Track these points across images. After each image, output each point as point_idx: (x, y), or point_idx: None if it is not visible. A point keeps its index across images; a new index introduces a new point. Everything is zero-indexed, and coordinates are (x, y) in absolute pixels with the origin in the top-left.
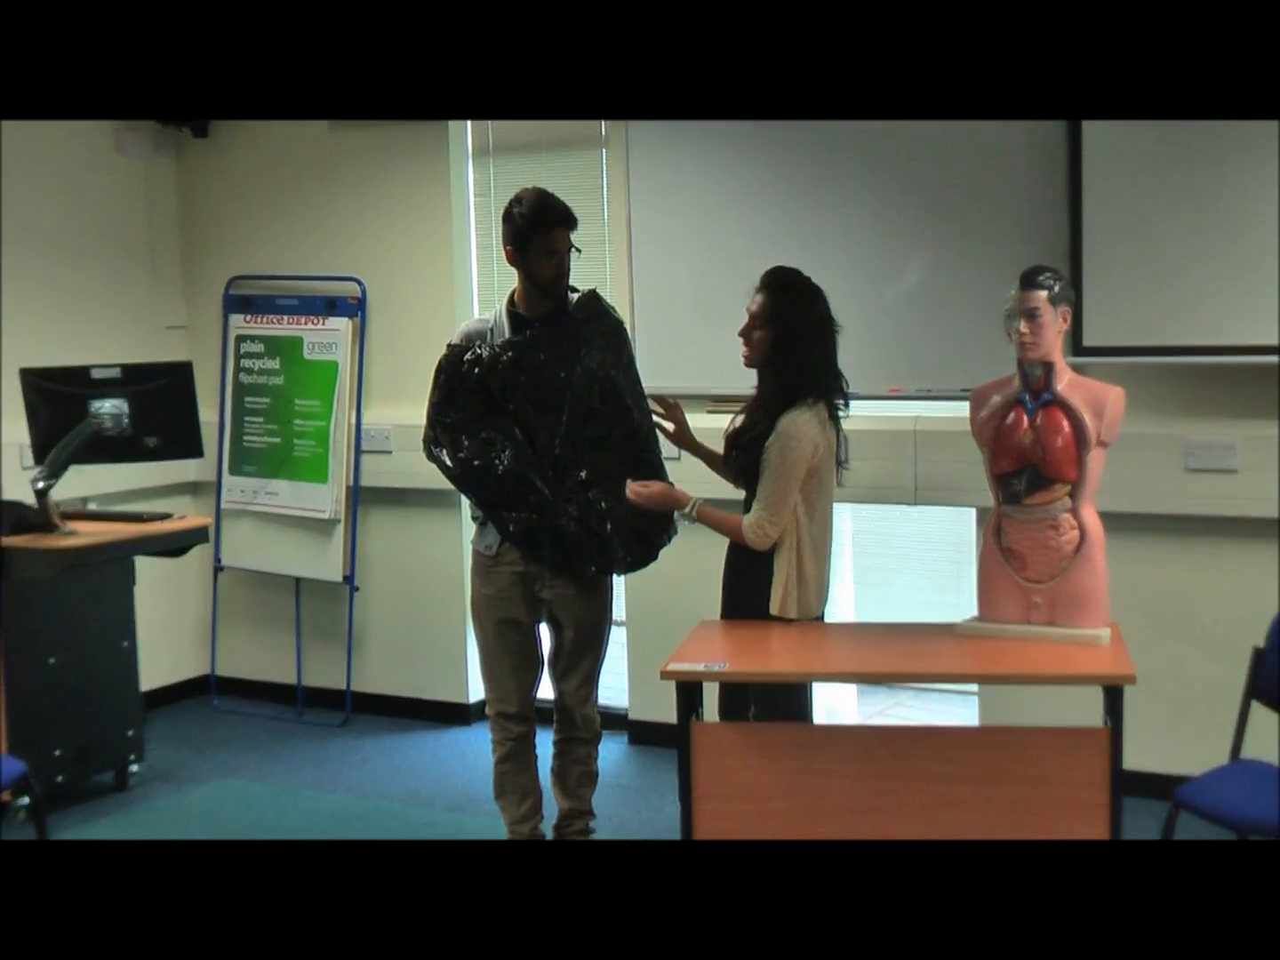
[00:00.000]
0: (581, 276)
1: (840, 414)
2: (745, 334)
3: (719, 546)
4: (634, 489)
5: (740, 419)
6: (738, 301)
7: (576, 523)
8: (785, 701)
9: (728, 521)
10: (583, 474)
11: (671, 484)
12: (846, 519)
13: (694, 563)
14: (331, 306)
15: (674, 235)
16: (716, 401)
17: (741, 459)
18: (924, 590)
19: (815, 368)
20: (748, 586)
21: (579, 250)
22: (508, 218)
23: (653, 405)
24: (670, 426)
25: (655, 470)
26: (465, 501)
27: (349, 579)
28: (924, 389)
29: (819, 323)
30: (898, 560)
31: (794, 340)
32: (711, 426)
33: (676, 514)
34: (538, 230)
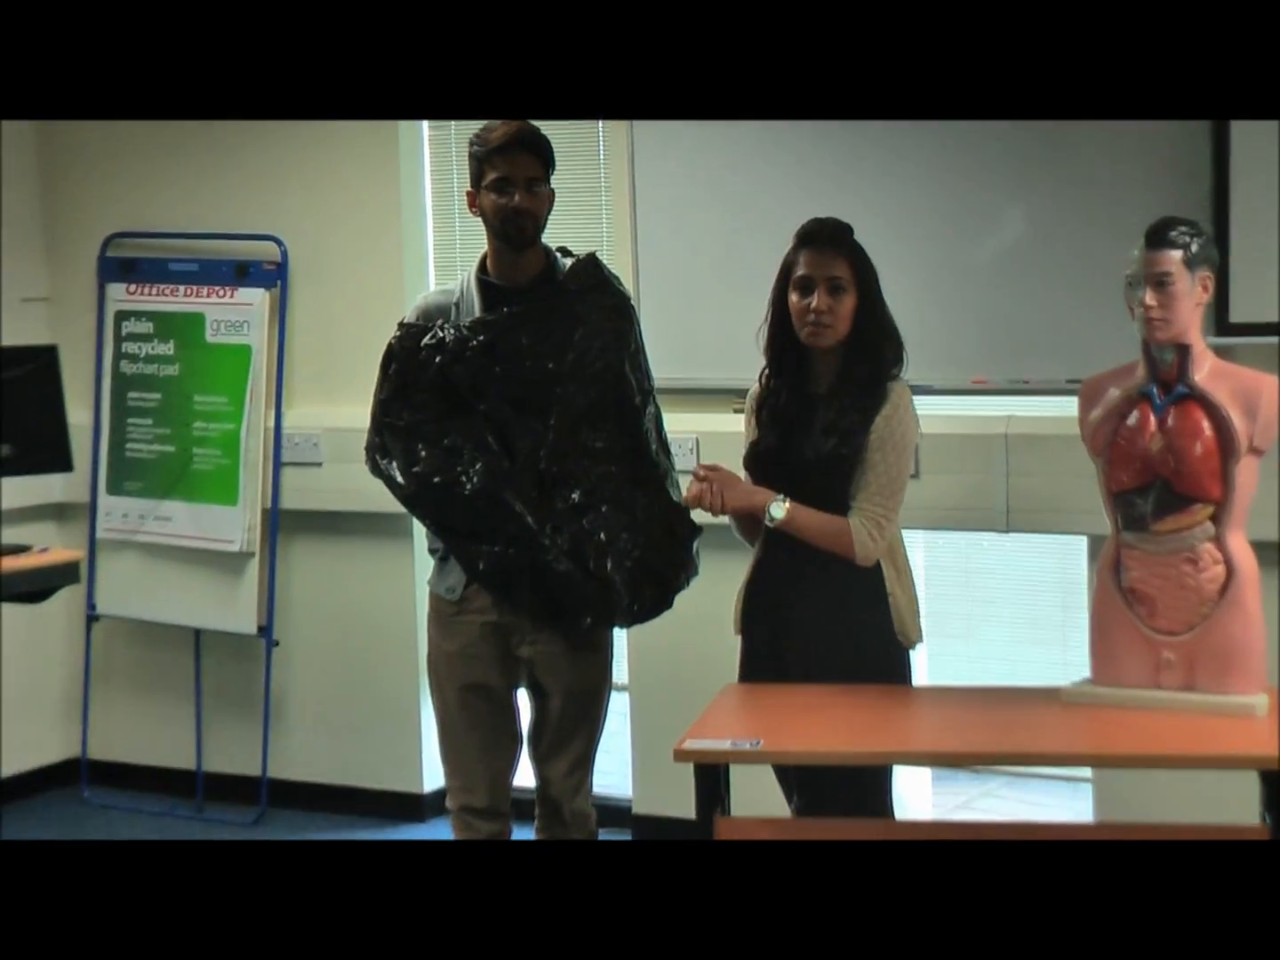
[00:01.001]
0: (573, 235)
1: None
2: (826, 304)
3: (720, 578)
4: (698, 488)
5: (761, 427)
6: (771, 268)
7: (567, 558)
8: (844, 787)
9: (830, 526)
10: (576, 495)
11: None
12: (918, 549)
13: (714, 609)
14: (243, 273)
15: (690, 183)
16: (744, 398)
17: (843, 448)
18: (1019, 644)
19: (898, 337)
20: (842, 612)
21: (546, 185)
22: (468, 155)
23: (695, 482)
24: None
25: (669, 491)
26: (420, 530)
27: (265, 631)
28: (1018, 380)
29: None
30: (984, 604)
31: (880, 307)
32: (739, 431)
33: (771, 509)
34: (489, 156)
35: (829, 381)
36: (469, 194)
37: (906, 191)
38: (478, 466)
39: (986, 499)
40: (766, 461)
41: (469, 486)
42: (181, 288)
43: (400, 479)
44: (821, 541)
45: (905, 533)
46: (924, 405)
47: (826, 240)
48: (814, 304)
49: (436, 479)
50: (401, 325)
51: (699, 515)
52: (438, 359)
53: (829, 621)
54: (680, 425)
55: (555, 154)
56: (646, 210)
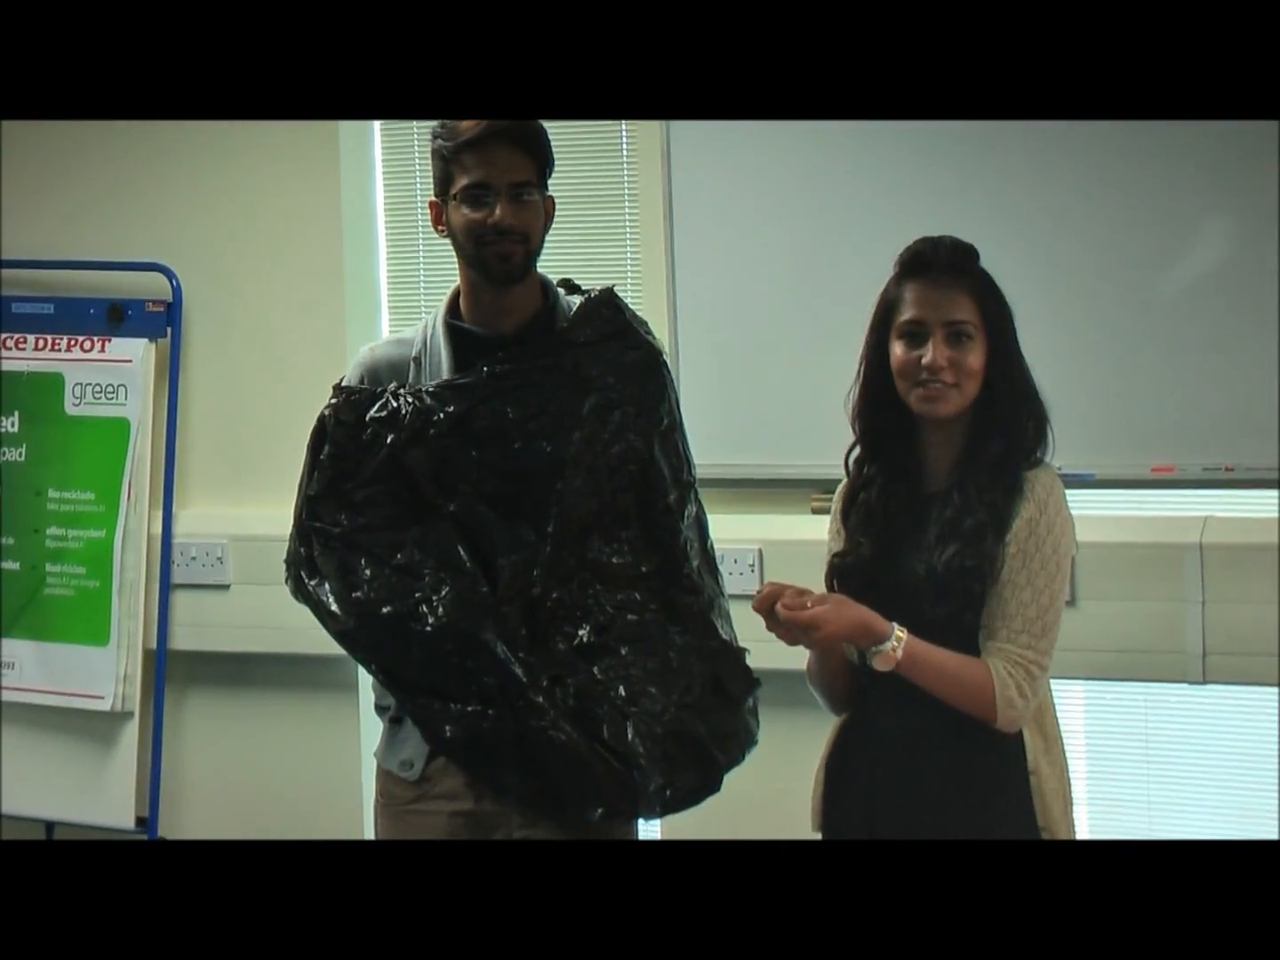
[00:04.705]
0: (582, 262)
1: None
2: (946, 358)
3: (793, 750)
4: (770, 590)
5: (850, 533)
6: (862, 309)
7: (570, 723)
8: None
9: (965, 672)
10: (583, 632)
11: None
12: (1075, 708)
13: (768, 800)
14: (117, 317)
15: (748, 190)
16: (828, 493)
17: (966, 558)
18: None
19: (1041, 403)
20: (967, 800)
21: (540, 191)
22: (431, 153)
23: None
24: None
25: (716, 625)
26: (368, 680)
27: (147, 825)
28: (1217, 466)
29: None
30: (1171, 785)
31: (1017, 361)
32: (821, 538)
33: (871, 654)
34: (458, 154)
35: (947, 467)
36: (432, 205)
37: (1054, 200)
38: (444, 593)
39: (1173, 637)
40: (856, 579)
41: (431, 621)
42: (30, 338)
43: (334, 608)
44: (951, 694)
45: (1055, 684)
46: (1082, 502)
47: (943, 267)
48: (928, 358)
49: (385, 609)
50: (338, 390)
51: (763, 660)
52: (389, 439)
53: (948, 817)
54: (735, 532)
55: (555, 149)
56: (687, 227)
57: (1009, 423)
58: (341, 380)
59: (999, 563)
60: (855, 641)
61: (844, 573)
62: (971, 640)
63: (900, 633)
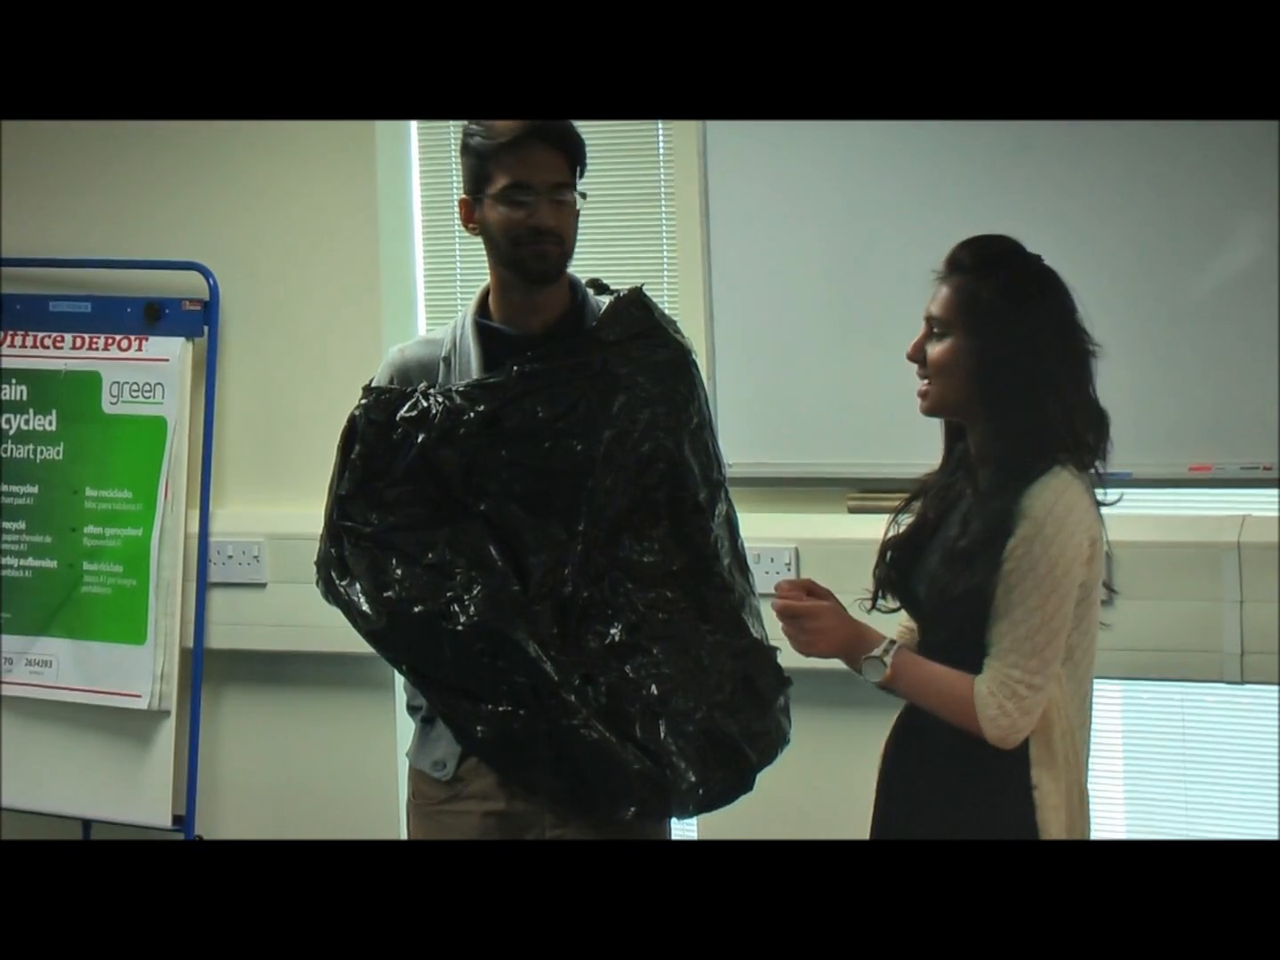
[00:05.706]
0: (614, 262)
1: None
2: (919, 354)
3: (825, 750)
4: (788, 604)
5: (906, 521)
6: (894, 311)
7: (602, 722)
8: None
9: (947, 691)
10: (615, 631)
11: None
12: (1112, 709)
13: (800, 779)
14: (154, 316)
15: (788, 188)
16: (865, 492)
17: (954, 585)
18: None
19: (1070, 406)
20: (961, 803)
21: (580, 194)
22: (463, 150)
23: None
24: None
25: (747, 624)
26: (402, 680)
27: (184, 823)
28: (1255, 465)
29: (1063, 329)
30: (1207, 786)
31: (1027, 360)
32: (857, 537)
33: (864, 667)
34: (497, 154)
35: (987, 468)
36: (463, 204)
37: (1090, 200)
38: (475, 592)
39: (1211, 637)
40: (890, 571)
41: (463, 620)
42: (68, 336)
43: (365, 608)
44: (939, 710)
45: (1097, 684)
46: (1120, 501)
47: (949, 264)
48: (909, 353)
49: (417, 609)
50: (368, 390)
51: (794, 659)
52: (419, 438)
53: (951, 820)
54: (769, 530)
55: (592, 149)
56: (723, 227)
57: (1001, 431)
58: (371, 382)
59: (991, 584)
60: (848, 653)
61: (881, 559)
62: (976, 660)
63: (887, 649)
